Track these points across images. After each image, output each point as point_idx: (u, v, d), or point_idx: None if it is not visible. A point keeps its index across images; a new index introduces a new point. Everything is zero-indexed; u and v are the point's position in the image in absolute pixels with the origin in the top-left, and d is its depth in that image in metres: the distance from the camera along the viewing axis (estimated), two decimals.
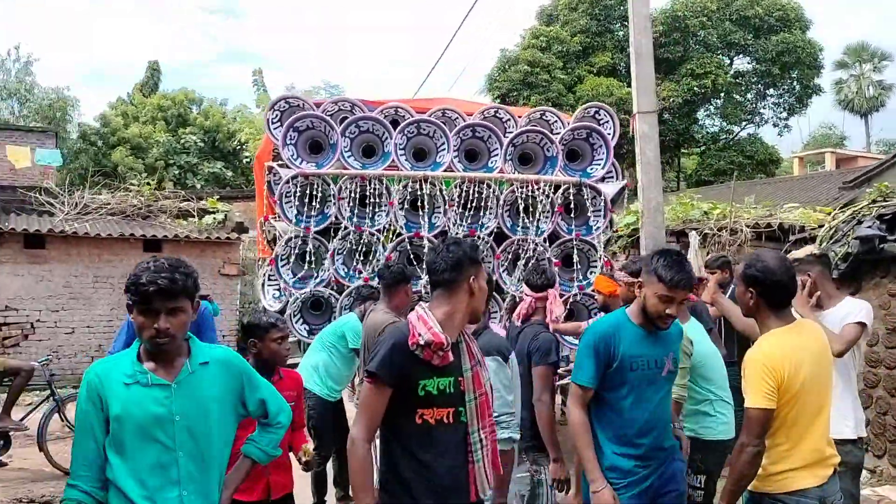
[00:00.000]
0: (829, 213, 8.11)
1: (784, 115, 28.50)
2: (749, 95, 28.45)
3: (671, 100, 24.69)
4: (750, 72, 27.69)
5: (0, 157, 20.55)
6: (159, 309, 2.64)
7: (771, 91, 28.09)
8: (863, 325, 4.13)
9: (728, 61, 27.70)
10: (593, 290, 6.65)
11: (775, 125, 28.82)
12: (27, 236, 15.53)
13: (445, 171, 7.13)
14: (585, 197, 7.24)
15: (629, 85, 26.11)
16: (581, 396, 3.59)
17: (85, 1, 61.90)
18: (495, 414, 3.32)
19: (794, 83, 27.31)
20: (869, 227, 6.73)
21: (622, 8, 25.95)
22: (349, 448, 2.88)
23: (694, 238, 9.13)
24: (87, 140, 28.26)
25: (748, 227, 8.81)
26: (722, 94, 26.86)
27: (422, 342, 2.83)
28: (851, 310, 4.21)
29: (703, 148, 27.92)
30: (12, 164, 20.41)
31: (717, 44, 25.46)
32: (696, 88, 24.87)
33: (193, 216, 16.90)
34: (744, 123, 28.57)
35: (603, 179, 7.63)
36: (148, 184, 18.27)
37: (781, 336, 3.21)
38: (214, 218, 16.73)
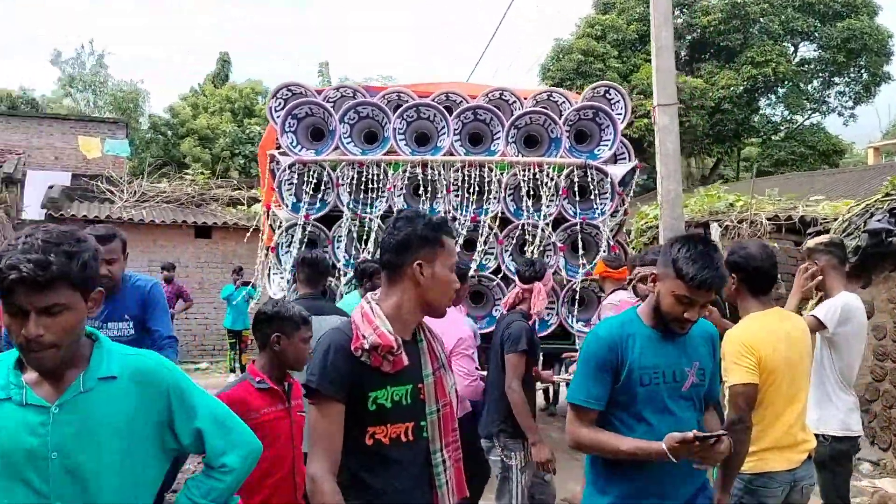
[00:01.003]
0: (847, 206, 7.82)
1: (850, 104, 26.95)
2: (815, 83, 27.08)
3: (731, 88, 23.69)
4: (815, 59, 26.30)
5: (74, 147, 21.13)
6: (26, 308, 1.83)
7: (837, 79, 26.59)
8: (815, 318, 4.01)
9: (792, 49, 26.43)
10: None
11: (840, 114, 27.28)
12: (87, 222, 16.12)
13: (445, 155, 6.86)
14: (590, 179, 6.85)
15: (689, 73, 25.43)
16: (582, 421, 2.75)
17: None
18: None
19: (862, 71, 25.77)
20: (879, 220, 6.67)
21: None
22: (310, 490, 2.25)
23: (715, 229, 8.93)
24: (158, 130, 28.89)
25: (768, 219, 8.57)
26: (786, 83, 25.66)
27: (366, 346, 2.25)
28: (828, 303, 4.09)
29: (763, 138, 26.63)
30: (85, 153, 21.00)
31: (779, 31, 24.17)
32: (757, 77, 23.77)
33: (243, 204, 17.15)
34: (808, 112, 27.24)
35: (616, 161, 7.28)
36: (202, 173, 18.56)
37: (760, 318, 3.28)
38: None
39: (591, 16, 25.19)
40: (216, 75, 33.04)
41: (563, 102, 7.22)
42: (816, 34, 25.12)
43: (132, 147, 25.64)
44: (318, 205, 6.82)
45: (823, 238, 4.46)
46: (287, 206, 6.73)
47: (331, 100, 7.05)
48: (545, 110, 6.98)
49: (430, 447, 2.38)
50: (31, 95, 29.77)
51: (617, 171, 6.95)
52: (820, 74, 26.66)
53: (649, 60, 24.14)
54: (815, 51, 26.52)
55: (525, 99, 7.21)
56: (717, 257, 2.66)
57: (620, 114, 7.18)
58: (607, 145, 7.00)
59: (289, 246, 6.82)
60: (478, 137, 7.12)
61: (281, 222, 6.99)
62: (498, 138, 6.92)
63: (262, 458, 2.32)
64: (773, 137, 26.57)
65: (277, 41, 67.91)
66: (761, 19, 24.04)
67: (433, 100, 7.02)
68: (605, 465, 2.79)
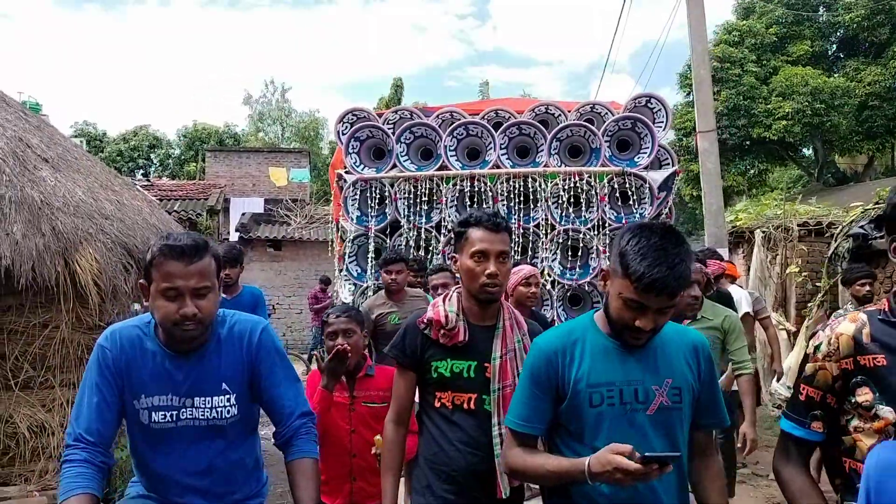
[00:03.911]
0: (853, 213, 8.16)
1: None
2: None
3: (878, 84, 21.32)
4: None
5: (266, 175, 22.86)
6: None
7: None
8: None
9: None
10: None
11: None
12: (269, 241, 17.86)
13: (493, 168, 6.82)
14: (629, 185, 6.57)
15: (833, 70, 23.17)
16: (514, 443, 2.15)
17: (337, 25, 66.62)
18: None
19: None
20: (861, 227, 7.25)
21: None
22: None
23: (758, 236, 9.17)
24: None
25: (798, 226, 8.91)
26: None
27: (425, 320, 2.56)
28: None
29: None
30: (274, 182, 22.69)
31: None
32: None
33: None
34: None
35: (660, 166, 6.96)
36: None
37: None
38: None
39: (730, 22, 23.63)
40: (390, 100, 34.17)
41: (606, 114, 6.95)
42: None
43: (314, 172, 27.23)
44: (379, 217, 7.00)
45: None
46: (353, 220, 6.97)
47: (390, 122, 7.20)
48: (584, 122, 6.77)
49: (491, 420, 2.48)
50: (234, 130, 32.33)
51: (656, 177, 6.61)
52: None
53: (789, 63, 22.27)
54: None
55: (570, 112, 7.01)
56: (678, 252, 1.94)
57: (662, 122, 6.83)
58: (646, 153, 6.67)
59: (355, 255, 7.05)
60: (525, 150, 7.01)
61: (348, 234, 7.23)
62: (542, 150, 6.79)
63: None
64: None
65: (446, 64, 69.01)
66: None
67: (482, 117, 7.01)
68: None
